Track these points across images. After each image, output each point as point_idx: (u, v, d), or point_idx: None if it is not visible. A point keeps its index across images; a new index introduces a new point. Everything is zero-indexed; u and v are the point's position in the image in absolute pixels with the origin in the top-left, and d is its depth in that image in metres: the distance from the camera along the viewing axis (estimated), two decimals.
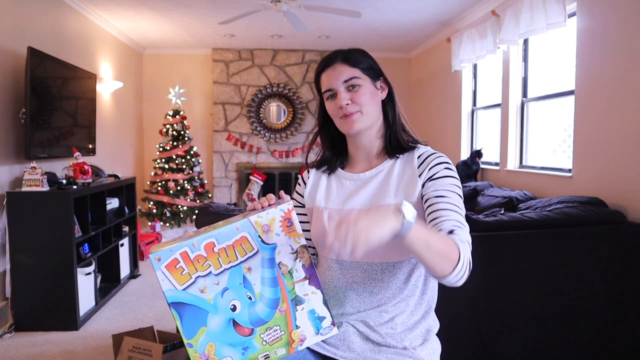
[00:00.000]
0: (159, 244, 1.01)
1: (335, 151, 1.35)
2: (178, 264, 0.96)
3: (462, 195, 1.20)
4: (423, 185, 1.19)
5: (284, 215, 0.99)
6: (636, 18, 2.67)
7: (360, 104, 1.22)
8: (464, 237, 1.09)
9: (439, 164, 1.20)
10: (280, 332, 1.01)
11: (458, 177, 1.23)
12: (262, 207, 1.06)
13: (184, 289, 0.97)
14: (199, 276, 0.97)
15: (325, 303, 1.04)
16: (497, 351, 2.30)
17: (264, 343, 1.00)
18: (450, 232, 1.09)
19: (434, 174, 1.19)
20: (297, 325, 1.02)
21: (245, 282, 0.99)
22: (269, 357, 1.01)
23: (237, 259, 0.98)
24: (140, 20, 5.00)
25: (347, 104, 1.22)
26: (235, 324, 1.00)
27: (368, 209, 1.00)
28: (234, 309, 0.99)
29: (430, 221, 1.15)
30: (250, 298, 0.99)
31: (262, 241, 0.99)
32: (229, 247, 0.97)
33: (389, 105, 1.29)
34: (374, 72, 1.26)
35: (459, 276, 1.04)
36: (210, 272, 0.97)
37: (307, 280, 1.02)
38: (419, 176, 1.20)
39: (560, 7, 3.18)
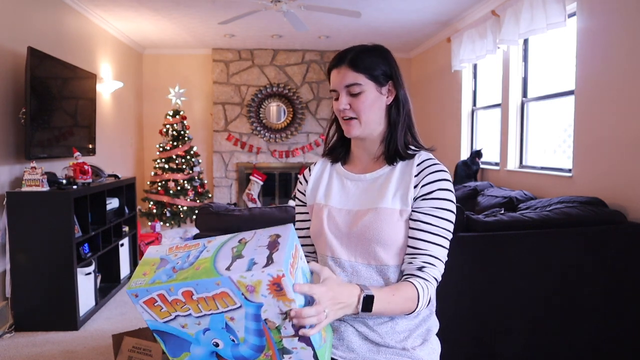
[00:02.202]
0: (136, 275, 0.95)
1: (342, 143, 1.36)
2: (156, 303, 0.91)
3: (451, 219, 1.20)
4: (415, 199, 1.19)
5: (272, 280, 0.86)
6: (636, 18, 2.67)
7: (358, 111, 1.22)
8: (430, 276, 1.16)
9: (434, 182, 1.19)
10: None
11: (453, 192, 1.21)
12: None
13: (164, 322, 0.93)
14: (178, 315, 0.92)
15: (316, 357, 0.95)
16: (497, 351, 2.30)
17: None
18: (419, 268, 1.16)
19: (427, 193, 1.19)
20: None
21: (227, 328, 0.92)
22: None
23: (218, 309, 0.90)
24: (140, 20, 5.00)
25: (344, 109, 1.23)
26: (218, 356, 0.96)
27: (338, 287, 1.03)
28: (216, 345, 0.94)
29: (408, 247, 1.19)
30: (233, 341, 0.94)
31: (246, 299, 0.88)
32: (208, 298, 0.88)
33: (394, 109, 1.27)
34: (383, 76, 1.24)
35: (415, 312, 1.16)
36: (190, 314, 0.91)
37: (297, 338, 0.92)
38: (415, 187, 1.20)
39: (560, 7, 3.18)
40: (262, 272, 0.85)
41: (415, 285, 1.14)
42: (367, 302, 1.05)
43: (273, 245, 0.92)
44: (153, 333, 0.95)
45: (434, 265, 1.16)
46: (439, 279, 1.18)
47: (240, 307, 0.89)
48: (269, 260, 0.87)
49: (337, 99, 1.26)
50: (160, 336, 0.95)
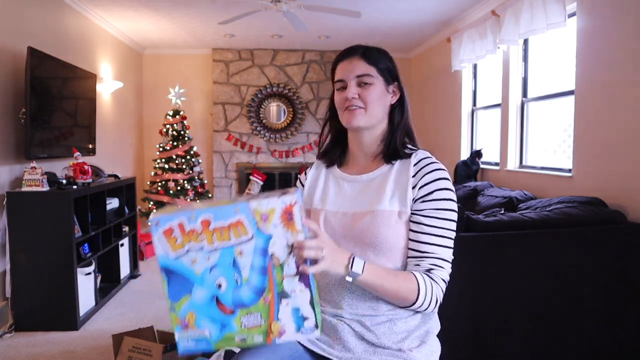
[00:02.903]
0: (163, 209, 1.03)
1: (337, 144, 1.35)
2: (173, 233, 0.98)
3: (454, 218, 1.19)
4: (414, 201, 1.19)
5: (285, 208, 0.97)
6: (636, 18, 2.67)
7: (366, 102, 1.22)
8: (438, 277, 1.15)
9: (433, 182, 1.18)
10: (261, 320, 1.00)
11: (453, 190, 1.20)
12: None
13: (175, 258, 0.99)
14: (191, 248, 0.99)
15: (312, 304, 1.00)
16: (497, 351, 2.30)
17: (243, 326, 1.00)
18: (427, 271, 1.15)
19: (426, 194, 1.18)
20: (278, 318, 1.00)
21: (235, 264, 0.99)
22: (245, 340, 1.01)
23: (231, 240, 0.98)
24: (140, 20, 5.00)
25: (353, 97, 1.22)
26: (218, 301, 1.00)
27: (339, 248, 1.09)
28: (219, 286, 0.99)
29: (411, 250, 1.17)
30: (236, 281, 0.99)
31: (258, 229, 0.98)
32: (224, 227, 0.98)
33: (397, 110, 1.29)
34: (390, 75, 1.26)
35: (420, 309, 1.16)
36: (202, 247, 0.98)
37: (298, 277, 0.99)
38: (413, 187, 1.19)
39: (560, 7, 3.18)
40: (278, 199, 0.97)
41: (416, 276, 1.13)
42: (358, 266, 1.07)
43: (285, 191, 1.01)
44: (161, 271, 1.00)
45: (442, 267, 1.16)
46: (447, 279, 1.18)
47: (251, 238, 0.97)
48: (284, 193, 0.98)
49: (340, 90, 1.25)
50: (167, 275, 1.00)
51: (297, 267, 0.99)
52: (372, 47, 1.27)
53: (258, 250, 0.98)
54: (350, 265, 1.06)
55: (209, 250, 0.98)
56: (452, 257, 1.20)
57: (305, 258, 0.98)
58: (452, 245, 1.19)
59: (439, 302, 1.17)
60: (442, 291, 1.16)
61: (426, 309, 1.15)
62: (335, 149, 1.35)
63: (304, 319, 1.00)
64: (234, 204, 0.98)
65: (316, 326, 1.01)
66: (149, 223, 1.00)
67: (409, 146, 1.28)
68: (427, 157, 1.23)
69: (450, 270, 1.19)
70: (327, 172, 1.35)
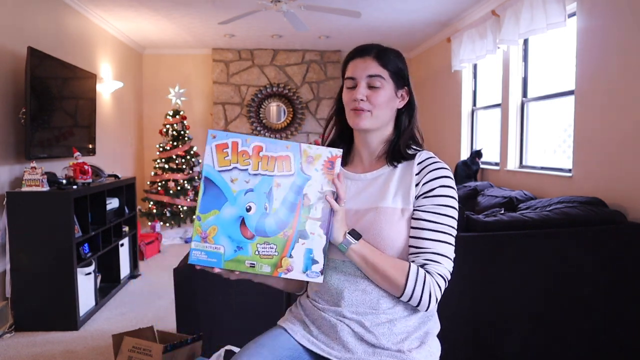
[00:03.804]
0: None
1: (342, 140, 1.34)
2: (226, 149, 1.06)
3: (454, 216, 1.19)
4: (417, 197, 1.19)
5: (329, 158, 1.09)
6: (636, 18, 2.67)
7: (374, 105, 1.22)
8: (433, 270, 1.14)
9: (435, 179, 1.18)
10: (275, 252, 1.06)
11: (454, 189, 1.20)
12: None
13: (219, 171, 1.06)
14: (236, 167, 1.07)
15: (325, 251, 1.09)
16: (497, 351, 2.30)
17: (256, 253, 1.06)
18: (422, 265, 1.15)
19: (429, 191, 1.18)
20: (291, 255, 1.07)
21: (269, 193, 1.07)
22: (254, 267, 1.06)
23: (274, 171, 1.07)
24: (140, 20, 5.00)
25: (361, 99, 1.22)
26: (242, 223, 1.06)
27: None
28: (249, 209, 1.06)
29: (411, 247, 1.17)
30: (266, 208, 1.06)
31: (301, 169, 1.08)
32: (272, 158, 1.07)
33: (404, 115, 1.28)
34: (401, 79, 1.25)
35: (412, 302, 1.14)
36: (247, 169, 1.07)
37: (320, 222, 1.08)
38: (416, 185, 1.20)
39: (560, 7, 3.18)
40: (326, 149, 1.09)
41: (410, 264, 1.14)
42: (354, 236, 1.14)
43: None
44: (202, 179, 1.07)
45: (438, 262, 1.15)
46: (447, 275, 1.16)
47: (292, 174, 1.07)
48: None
49: (352, 88, 1.24)
50: (205, 185, 1.07)
51: (322, 214, 1.08)
52: (387, 49, 1.26)
53: (295, 187, 1.07)
54: (346, 233, 1.13)
55: (251, 174, 1.07)
56: (454, 255, 1.19)
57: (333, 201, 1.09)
58: (452, 242, 1.18)
59: (435, 297, 1.14)
60: (440, 286, 1.14)
61: (420, 301, 1.13)
62: (341, 146, 1.34)
63: (314, 262, 1.08)
64: (287, 141, 1.09)
65: (321, 272, 1.09)
66: (208, 133, 1.07)
67: (413, 147, 1.28)
68: (431, 157, 1.24)
69: (450, 268, 1.17)
70: None
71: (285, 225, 1.07)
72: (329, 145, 1.34)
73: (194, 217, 1.05)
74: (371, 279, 1.17)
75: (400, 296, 1.14)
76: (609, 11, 2.89)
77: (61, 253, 3.10)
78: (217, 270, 1.09)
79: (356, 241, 1.13)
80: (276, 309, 1.99)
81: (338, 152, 1.10)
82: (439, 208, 1.17)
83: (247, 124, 6.63)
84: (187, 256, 2.18)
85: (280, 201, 1.07)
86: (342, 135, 1.34)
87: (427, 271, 1.14)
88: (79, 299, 3.17)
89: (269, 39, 5.98)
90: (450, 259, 1.17)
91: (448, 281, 1.17)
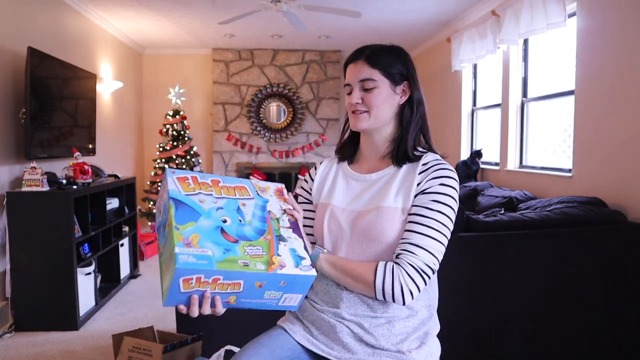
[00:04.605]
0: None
1: (352, 141, 1.38)
2: (187, 180, 1.11)
3: (447, 213, 1.16)
4: (415, 196, 1.19)
5: (277, 189, 1.22)
6: (636, 18, 2.67)
7: (370, 106, 1.24)
8: (405, 262, 1.12)
9: (436, 178, 1.18)
10: (262, 252, 1.07)
11: (454, 189, 1.19)
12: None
13: (185, 195, 1.09)
14: (201, 192, 1.11)
15: (306, 249, 1.12)
16: (497, 351, 2.30)
17: (246, 254, 1.05)
18: (396, 256, 1.14)
19: (427, 188, 1.18)
20: (278, 254, 1.08)
21: (238, 210, 1.12)
22: (248, 265, 1.03)
23: (235, 196, 1.15)
24: (140, 20, 5.00)
25: (357, 103, 1.25)
26: (222, 230, 1.06)
27: None
28: (224, 221, 1.08)
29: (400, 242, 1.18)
30: (240, 221, 1.10)
31: (258, 194, 1.18)
32: (230, 187, 1.15)
33: (406, 110, 1.28)
34: (398, 75, 1.26)
35: (387, 298, 1.13)
36: (211, 194, 1.12)
37: (291, 229, 1.15)
38: (418, 184, 1.20)
39: (560, 7, 3.18)
40: (272, 183, 1.23)
41: (377, 263, 1.15)
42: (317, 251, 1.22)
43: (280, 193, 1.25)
44: (170, 201, 1.06)
45: (412, 253, 1.11)
46: (421, 267, 1.11)
47: (252, 198, 1.16)
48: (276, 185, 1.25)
49: (350, 94, 1.27)
50: (175, 204, 1.06)
51: (291, 224, 1.16)
52: (380, 49, 1.27)
53: (258, 206, 1.15)
54: (315, 245, 1.22)
55: (216, 197, 1.12)
56: (441, 251, 1.15)
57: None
58: (438, 238, 1.14)
59: (408, 289, 1.10)
60: (412, 277, 1.10)
61: (393, 295, 1.10)
62: (350, 145, 1.38)
63: (301, 258, 1.10)
64: (238, 179, 1.19)
65: (313, 266, 1.10)
66: (166, 170, 1.12)
67: (419, 148, 1.28)
68: (437, 159, 1.24)
69: (428, 261, 1.12)
70: (338, 169, 1.37)
71: (263, 232, 1.10)
72: (341, 147, 1.40)
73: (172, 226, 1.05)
74: (344, 285, 1.19)
75: (375, 294, 1.13)
76: (609, 11, 2.89)
77: (61, 253, 3.10)
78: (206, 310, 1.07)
79: (325, 250, 1.22)
80: None
81: (280, 185, 1.24)
82: (432, 204, 1.16)
83: (247, 124, 6.63)
84: None
85: (250, 215, 1.12)
86: (352, 137, 1.38)
87: (396, 262, 1.12)
88: (79, 299, 3.17)
89: (269, 39, 5.98)
90: (431, 253, 1.12)
91: (427, 275, 1.12)
